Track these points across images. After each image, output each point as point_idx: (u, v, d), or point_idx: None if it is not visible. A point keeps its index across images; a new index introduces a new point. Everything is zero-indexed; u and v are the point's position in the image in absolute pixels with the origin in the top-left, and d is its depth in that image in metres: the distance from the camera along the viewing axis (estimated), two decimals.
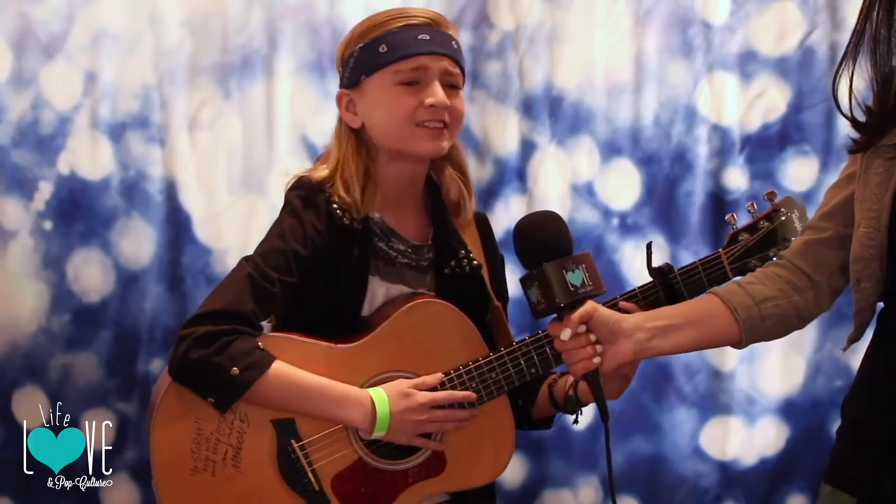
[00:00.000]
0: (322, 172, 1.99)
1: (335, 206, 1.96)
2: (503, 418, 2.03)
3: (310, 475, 1.92)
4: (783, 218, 2.07)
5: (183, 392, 1.87)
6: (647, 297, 2.02)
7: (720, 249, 2.06)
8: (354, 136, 2.02)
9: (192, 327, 1.86)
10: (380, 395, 1.91)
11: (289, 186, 2.02)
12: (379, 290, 2.01)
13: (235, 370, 1.83)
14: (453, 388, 1.96)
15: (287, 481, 1.91)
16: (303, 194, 1.97)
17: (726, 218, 2.14)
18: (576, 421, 2.13)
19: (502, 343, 2.03)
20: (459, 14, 2.96)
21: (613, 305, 1.98)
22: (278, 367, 1.87)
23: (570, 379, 2.05)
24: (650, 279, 2.05)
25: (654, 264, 2.05)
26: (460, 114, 2.00)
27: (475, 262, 2.05)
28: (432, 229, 2.07)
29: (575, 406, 2.08)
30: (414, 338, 1.97)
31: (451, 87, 1.99)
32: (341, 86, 2.05)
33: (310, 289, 1.95)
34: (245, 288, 1.88)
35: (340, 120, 2.05)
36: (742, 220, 2.11)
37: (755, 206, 2.11)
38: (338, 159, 2.00)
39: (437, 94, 1.95)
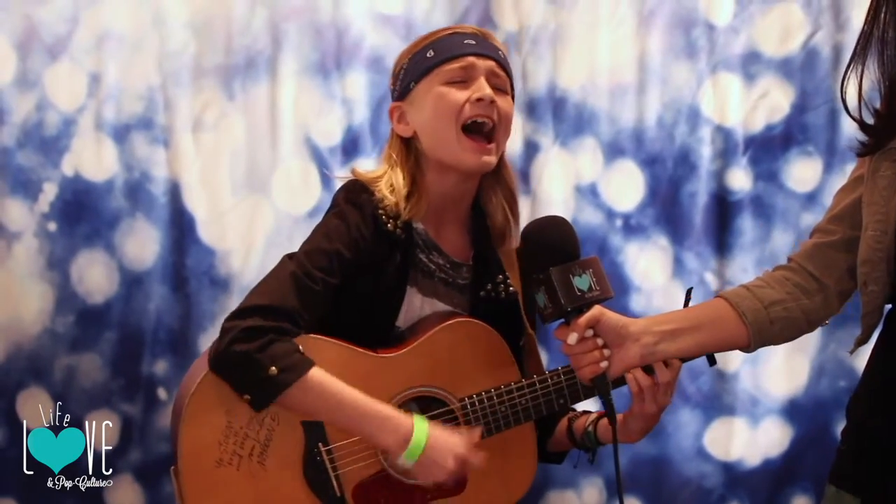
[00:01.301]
0: (372, 174, 2.00)
1: (380, 210, 1.96)
2: (527, 445, 2.03)
3: (333, 480, 1.92)
4: None
5: (218, 383, 1.87)
6: None
7: None
8: (405, 146, 2.03)
9: (236, 320, 1.86)
10: (421, 427, 1.88)
11: (339, 187, 2.02)
12: (415, 302, 2.01)
13: (274, 370, 1.83)
14: (482, 409, 1.96)
15: (310, 484, 1.91)
16: (350, 196, 1.97)
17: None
18: (591, 460, 2.14)
19: (533, 371, 2.04)
20: (463, 15, 2.96)
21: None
22: (317, 373, 1.86)
23: (592, 416, 2.08)
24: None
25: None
26: (508, 116, 2.00)
27: (511, 289, 2.06)
28: (473, 250, 2.07)
29: (593, 444, 2.10)
30: (451, 355, 1.97)
31: (499, 90, 1.99)
32: (393, 99, 2.06)
33: (349, 292, 1.95)
34: (289, 285, 1.88)
35: (392, 133, 2.06)
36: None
37: None
38: (388, 165, 2.01)
39: (484, 88, 1.96)
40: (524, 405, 1.97)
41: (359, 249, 1.94)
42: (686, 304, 2.03)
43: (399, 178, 1.97)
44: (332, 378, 1.87)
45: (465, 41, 1.99)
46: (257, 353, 1.83)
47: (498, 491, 2.00)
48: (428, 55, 1.99)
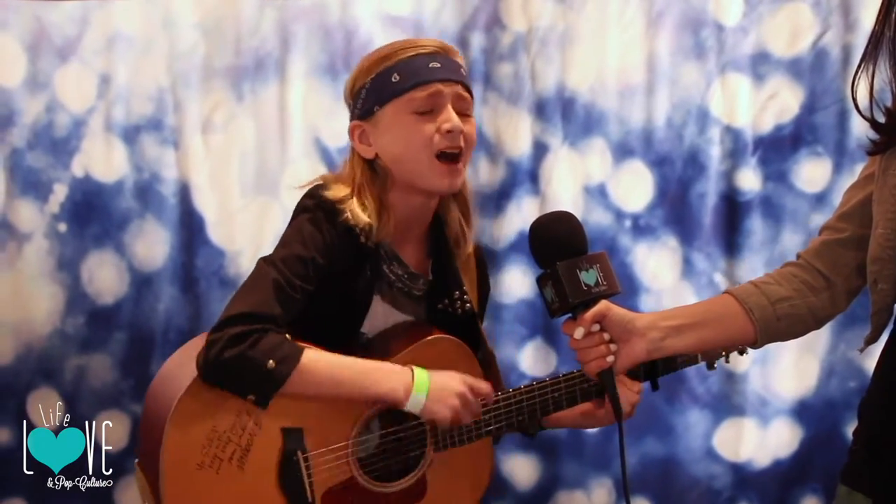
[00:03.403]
0: (340, 192, 2.00)
1: (353, 224, 1.97)
2: (484, 456, 2.09)
3: (307, 487, 1.94)
4: None
5: (203, 390, 1.89)
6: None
7: None
8: (368, 167, 2.03)
9: (221, 331, 1.88)
10: (419, 369, 1.95)
11: (305, 194, 2.02)
12: (378, 311, 2.04)
13: (271, 363, 1.85)
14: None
15: (284, 489, 1.93)
16: (324, 207, 1.98)
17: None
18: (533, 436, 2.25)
19: (491, 384, 2.07)
20: (472, 16, 2.96)
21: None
22: (310, 353, 1.90)
23: None
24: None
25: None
26: (473, 140, 2.02)
27: (468, 306, 2.10)
28: (431, 262, 2.10)
29: (536, 430, 2.22)
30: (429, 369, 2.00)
31: (464, 115, 2.01)
32: (352, 118, 2.06)
33: (319, 296, 1.96)
34: (271, 293, 1.90)
35: (353, 151, 2.06)
36: None
37: None
38: (353, 185, 2.01)
39: (453, 118, 1.97)
40: (486, 421, 2.04)
41: (332, 258, 1.96)
42: None
43: (369, 200, 1.99)
44: (324, 353, 1.91)
45: (431, 64, 1.97)
46: (250, 352, 1.85)
47: (462, 489, 2.06)
48: (393, 79, 1.97)
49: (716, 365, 2.30)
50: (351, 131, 2.05)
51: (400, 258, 2.05)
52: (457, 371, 2.00)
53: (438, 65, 1.98)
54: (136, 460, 2.00)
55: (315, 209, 1.98)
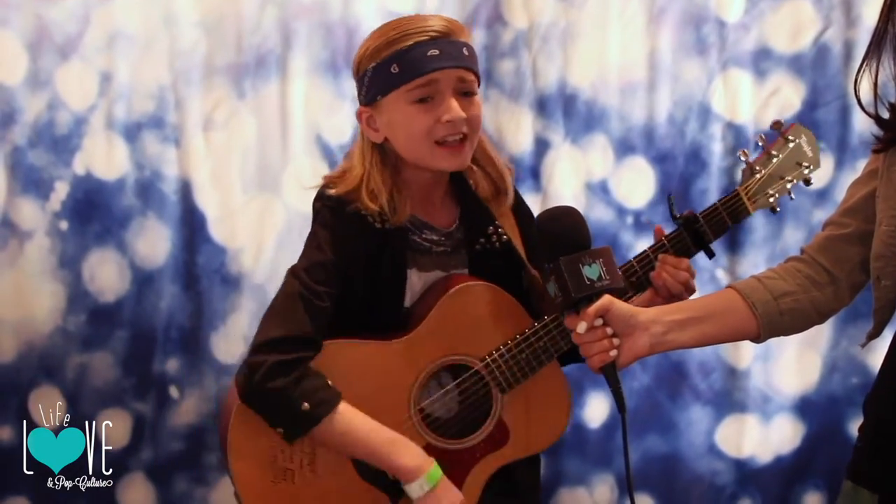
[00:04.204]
0: (345, 187, 2.00)
1: (366, 214, 1.98)
2: (557, 381, 2.07)
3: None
4: (791, 145, 2.07)
5: (250, 412, 1.95)
6: (675, 246, 2.05)
7: (737, 187, 2.07)
8: (378, 150, 2.03)
9: (261, 355, 1.92)
10: (435, 464, 1.98)
11: (315, 197, 2.04)
12: (417, 281, 2.05)
13: (307, 405, 1.90)
14: (505, 361, 2.01)
15: (363, 476, 1.99)
16: (332, 206, 1.99)
17: (738, 154, 2.17)
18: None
19: (545, 309, 2.05)
20: (473, 13, 2.96)
21: (645, 258, 2.03)
22: (345, 406, 1.94)
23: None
24: (675, 227, 2.07)
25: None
26: (478, 120, 2.01)
27: (504, 237, 2.08)
28: (458, 209, 2.09)
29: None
30: (460, 322, 2.01)
31: (466, 95, 2.00)
32: (360, 102, 2.06)
33: (352, 291, 1.99)
34: (299, 309, 1.93)
35: (362, 134, 2.06)
36: (754, 153, 2.12)
37: (764, 137, 2.12)
38: (361, 174, 2.01)
39: (453, 108, 1.96)
40: (543, 347, 2.00)
41: (349, 253, 1.97)
42: (671, 210, 2.06)
43: (378, 184, 1.99)
44: (356, 410, 1.95)
45: (429, 52, 1.96)
46: (290, 390, 1.90)
47: (539, 432, 2.07)
48: (392, 70, 1.96)
49: (778, 208, 2.11)
50: (359, 115, 2.05)
51: (430, 224, 2.05)
52: (489, 313, 2.01)
53: (437, 51, 1.96)
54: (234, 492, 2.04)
55: (322, 210, 2.00)
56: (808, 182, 2.10)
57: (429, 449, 1.99)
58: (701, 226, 2.05)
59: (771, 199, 2.07)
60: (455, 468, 2.01)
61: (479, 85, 2.04)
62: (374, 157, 2.02)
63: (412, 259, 2.03)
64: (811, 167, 2.08)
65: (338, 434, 1.94)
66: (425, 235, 2.05)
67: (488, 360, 2.00)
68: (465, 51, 2.00)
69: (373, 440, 1.94)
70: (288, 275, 2.00)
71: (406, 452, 1.95)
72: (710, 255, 2.09)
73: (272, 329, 1.94)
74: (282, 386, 1.89)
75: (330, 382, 1.93)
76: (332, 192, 2.00)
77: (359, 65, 2.04)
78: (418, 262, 2.04)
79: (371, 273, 1.99)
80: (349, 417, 1.93)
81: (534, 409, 2.04)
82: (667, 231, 2.08)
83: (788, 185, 2.08)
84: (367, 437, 1.95)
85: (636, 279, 2.04)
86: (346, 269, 1.97)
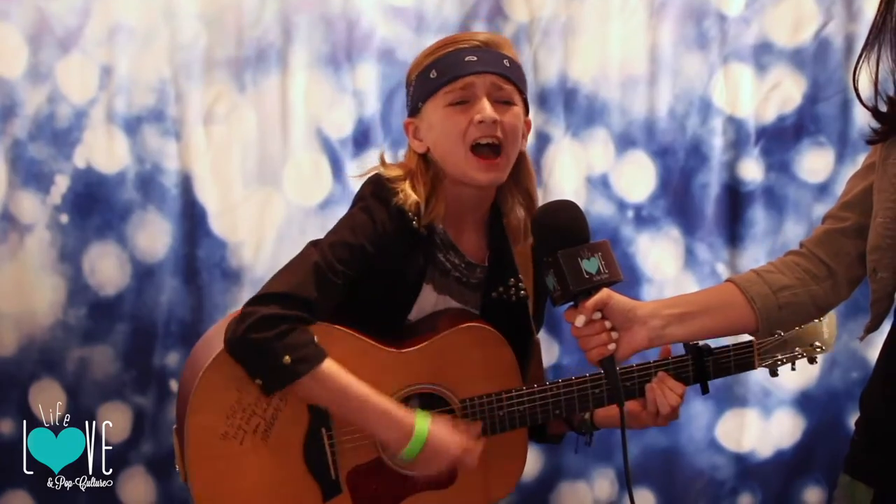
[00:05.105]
0: (395, 172, 2.01)
1: (405, 207, 1.97)
2: (518, 445, 2.08)
3: (331, 464, 1.97)
4: (814, 322, 2.06)
5: (230, 361, 1.91)
6: (677, 369, 2.04)
7: (753, 340, 2.06)
8: (423, 161, 2.04)
9: (256, 306, 1.90)
10: (422, 425, 1.93)
11: (366, 181, 2.03)
12: (429, 298, 2.05)
13: (287, 359, 1.87)
14: (481, 410, 2.00)
15: (308, 464, 1.96)
16: (376, 191, 1.99)
17: None
18: (588, 443, 2.19)
19: (533, 375, 2.08)
20: (474, 7, 2.96)
21: (646, 368, 2.02)
22: (328, 364, 1.90)
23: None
24: (685, 352, 2.06)
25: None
26: (514, 129, 2.00)
27: (523, 293, 2.08)
28: (489, 252, 2.09)
29: (589, 429, 2.16)
30: (459, 357, 2.01)
31: (503, 104, 1.99)
32: (408, 114, 2.08)
33: (368, 284, 1.98)
34: (311, 276, 1.92)
35: (410, 147, 2.08)
36: None
37: None
38: (409, 169, 2.02)
39: (485, 109, 1.96)
40: (521, 412, 2.02)
41: (382, 246, 1.96)
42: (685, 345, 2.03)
43: (420, 184, 2.00)
44: (342, 371, 1.92)
45: (467, 58, 1.98)
46: (274, 342, 1.87)
47: (483, 488, 2.06)
48: (431, 76, 1.99)
49: (779, 371, 2.13)
50: (405, 127, 2.07)
51: (457, 247, 2.05)
52: (488, 360, 2.01)
53: (475, 58, 1.98)
54: (174, 426, 2.03)
55: (370, 197, 1.99)
56: (812, 361, 2.12)
57: (377, 463, 1.99)
58: (708, 361, 2.04)
59: (777, 363, 2.09)
60: (391, 491, 2.00)
61: (525, 104, 2.04)
62: (419, 166, 2.03)
63: (430, 275, 2.03)
64: (822, 349, 2.10)
65: (321, 392, 1.91)
66: (449, 256, 2.05)
67: (468, 403, 2.00)
68: (504, 62, 2.01)
69: (353, 406, 1.91)
70: (307, 244, 1.99)
71: (383, 427, 1.92)
72: (705, 390, 2.10)
73: (276, 285, 1.93)
74: (266, 337, 1.86)
75: (317, 340, 1.90)
76: (385, 173, 2.00)
77: (407, 79, 2.07)
78: (435, 280, 2.04)
79: (392, 275, 1.98)
80: (334, 378, 1.90)
81: (489, 463, 2.02)
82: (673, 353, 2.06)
83: (796, 357, 2.09)
84: (347, 403, 1.91)
85: (631, 384, 2.04)
86: (372, 259, 1.95)
